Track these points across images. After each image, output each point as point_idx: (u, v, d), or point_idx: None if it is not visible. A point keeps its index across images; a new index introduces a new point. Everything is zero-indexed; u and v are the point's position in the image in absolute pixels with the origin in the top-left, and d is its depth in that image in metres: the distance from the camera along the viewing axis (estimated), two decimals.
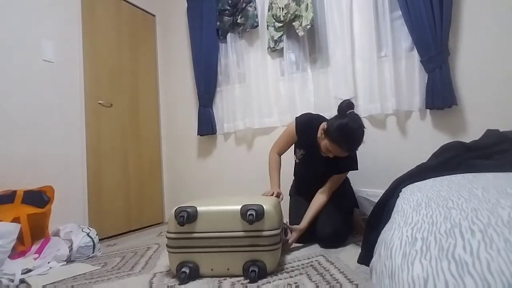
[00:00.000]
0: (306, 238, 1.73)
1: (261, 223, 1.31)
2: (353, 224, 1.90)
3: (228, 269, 1.32)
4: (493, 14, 1.77)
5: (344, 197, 1.83)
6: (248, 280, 1.26)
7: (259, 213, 1.30)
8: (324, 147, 1.60)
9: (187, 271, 1.29)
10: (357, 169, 1.77)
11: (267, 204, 1.35)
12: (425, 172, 1.18)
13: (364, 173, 2.08)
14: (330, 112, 2.21)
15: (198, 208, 1.34)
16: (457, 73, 1.86)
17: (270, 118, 2.46)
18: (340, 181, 1.77)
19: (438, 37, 1.81)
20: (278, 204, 1.54)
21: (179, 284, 1.28)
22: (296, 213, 1.82)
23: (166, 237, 1.37)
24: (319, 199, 1.73)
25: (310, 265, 1.39)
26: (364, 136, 1.56)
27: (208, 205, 1.38)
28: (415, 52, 1.92)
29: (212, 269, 1.33)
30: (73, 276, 1.48)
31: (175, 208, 1.35)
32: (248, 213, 1.29)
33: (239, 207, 1.32)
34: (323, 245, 1.66)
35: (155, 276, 1.39)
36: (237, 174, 2.61)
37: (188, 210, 1.32)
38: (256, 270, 1.26)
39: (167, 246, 1.37)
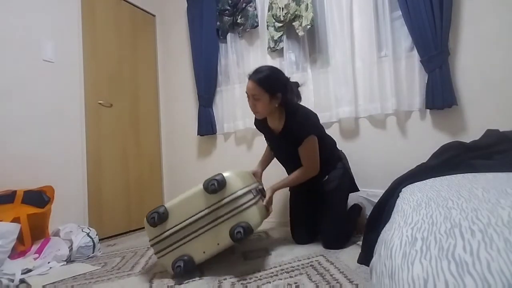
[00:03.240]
0: (310, 238, 1.73)
1: (226, 189, 1.38)
2: (358, 224, 1.90)
3: (218, 243, 1.36)
4: (493, 14, 1.77)
5: (346, 198, 1.82)
6: (247, 281, 1.26)
7: (221, 181, 1.37)
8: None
9: (181, 264, 1.33)
10: (314, 133, 1.64)
11: (226, 172, 1.42)
12: (425, 172, 1.18)
13: (364, 173, 2.08)
14: (330, 112, 2.22)
15: (166, 205, 1.41)
16: (457, 73, 1.86)
17: None
18: (308, 153, 1.65)
19: (438, 37, 1.81)
20: (241, 171, 1.56)
21: (178, 278, 1.30)
22: (294, 211, 1.86)
23: (151, 246, 1.42)
24: (295, 172, 1.69)
25: (310, 265, 1.39)
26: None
27: (175, 199, 1.44)
28: (415, 52, 1.92)
29: (204, 252, 1.36)
30: (73, 276, 1.48)
31: (146, 216, 1.40)
32: (210, 184, 1.36)
33: (201, 185, 1.40)
34: (326, 246, 1.65)
35: (155, 276, 1.40)
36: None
37: (157, 211, 1.38)
38: (241, 230, 1.31)
39: (155, 253, 1.41)
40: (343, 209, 1.77)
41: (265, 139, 1.92)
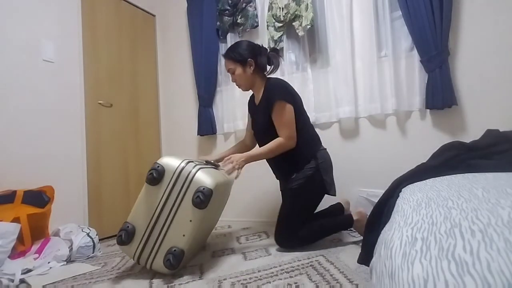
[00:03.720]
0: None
1: (167, 172, 1.41)
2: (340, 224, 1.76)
3: (190, 220, 1.37)
4: (493, 14, 1.77)
5: (309, 201, 1.70)
6: (247, 281, 1.26)
7: (158, 168, 1.41)
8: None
9: (170, 257, 1.34)
10: (281, 99, 1.62)
11: (161, 159, 1.45)
12: (425, 172, 1.18)
13: (364, 173, 2.08)
14: (330, 112, 2.22)
15: (128, 219, 1.43)
16: (457, 73, 1.86)
17: None
18: (280, 118, 1.62)
19: (438, 37, 1.81)
20: (178, 156, 1.56)
21: (177, 277, 1.30)
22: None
23: (138, 263, 1.43)
24: (271, 141, 1.64)
25: (310, 265, 1.39)
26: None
27: (132, 210, 1.45)
28: (415, 52, 1.92)
29: (184, 235, 1.37)
30: (73, 276, 1.48)
31: (116, 241, 1.42)
32: (149, 175, 1.40)
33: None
34: (276, 242, 1.67)
35: (155, 276, 1.39)
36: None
37: (122, 229, 1.41)
38: (200, 194, 1.34)
39: (145, 265, 1.41)
40: (297, 210, 1.66)
41: (249, 118, 1.96)
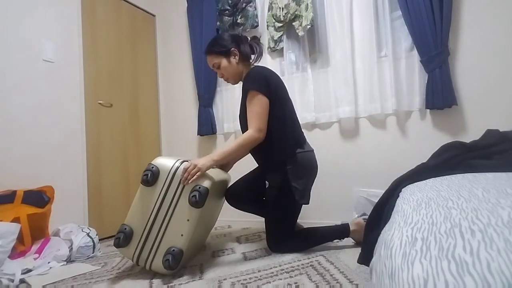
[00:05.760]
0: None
1: (161, 172, 1.40)
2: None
3: (188, 220, 1.37)
4: (493, 14, 1.77)
5: (289, 211, 1.63)
6: (247, 281, 1.26)
7: (153, 169, 1.40)
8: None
9: (169, 258, 1.34)
10: (254, 89, 1.54)
11: (156, 160, 1.44)
12: (425, 172, 1.18)
13: (364, 173, 2.08)
14: (330, 112, 2.22)
15: (126, 221, 1.43)
16: (457, 73, 1.87)
17: None
18: (249, 107, 1.55)
19: (438, 37, 1.81)
20: (172, 156, 1.55)
21: (177, 277, 1.29)
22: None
23: (137, 264, 1.43)
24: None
25: (310, 265, 1.39)
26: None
27: (129, 211, 1.45)
28: (415, 52, 1.92)
29: (182, 235, 1.37)
30: (73, 276, 1.48)
31: (113, 244, 1.42)
32: (144, 176, 1.40)
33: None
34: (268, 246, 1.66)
35: (155, 276, 1.39)
36: (237, 174, 2.61)
37: (120, 231, 1.40)
38: (196, 194, 1.34)
39: (144, 266, 1.41)
40: (278, 223, 1.61)
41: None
